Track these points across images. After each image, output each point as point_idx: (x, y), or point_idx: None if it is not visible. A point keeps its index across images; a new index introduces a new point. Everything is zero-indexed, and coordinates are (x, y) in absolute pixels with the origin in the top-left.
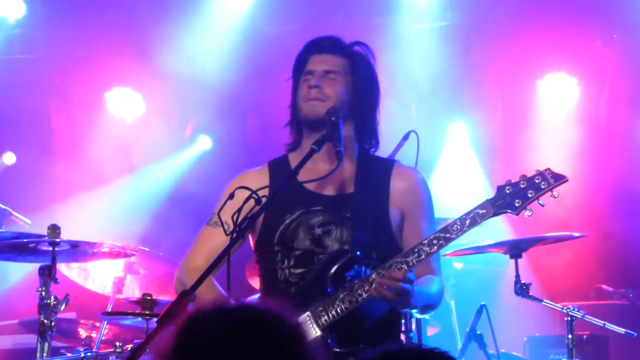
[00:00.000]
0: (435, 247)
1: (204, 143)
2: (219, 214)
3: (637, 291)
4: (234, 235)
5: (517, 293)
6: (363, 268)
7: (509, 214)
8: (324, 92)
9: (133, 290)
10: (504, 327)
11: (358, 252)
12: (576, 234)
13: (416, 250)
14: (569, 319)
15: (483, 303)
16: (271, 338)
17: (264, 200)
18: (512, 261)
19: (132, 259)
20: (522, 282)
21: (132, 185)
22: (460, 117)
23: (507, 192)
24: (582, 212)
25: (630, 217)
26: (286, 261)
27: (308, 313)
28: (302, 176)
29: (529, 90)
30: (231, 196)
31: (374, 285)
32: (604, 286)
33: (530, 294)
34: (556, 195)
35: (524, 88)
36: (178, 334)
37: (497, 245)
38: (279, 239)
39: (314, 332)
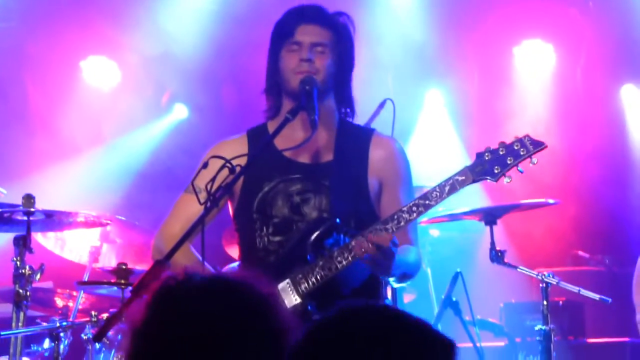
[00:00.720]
0: (415, 214)
1: (180, 111)
2: (192, 184)
3: (613, 257)
4: (208, 204)
5: (492, 260)
6: (342, 236)
7: (488, 180)
8: (315, 66)
9: (110, 259)
10: (479, 293)
11: (337, 220)
12: (551, 201)
13: (395, 217)
14: (544, 285)
15: (459, 270)
16: (245, 307)
17: (238, 169)
18: (488, 228)
19: (108, 228)
20: (498, 249)
21: (108, 155)
22: (436, 84)
23: (486, 158)
24: (558, 179)
25: (606, 183)
26: (265, 229)
27: (288, 280)
28: (281, 144)
29: (506, 56)
30: (205, 165)
31: (354, 248)
32: (580, 252)
33: (506, 260)
34: (535, 162)
35: (500, 55)
36: (151, 303)
37: (472, 212)
38: (258, 206)
39: (294, 299)
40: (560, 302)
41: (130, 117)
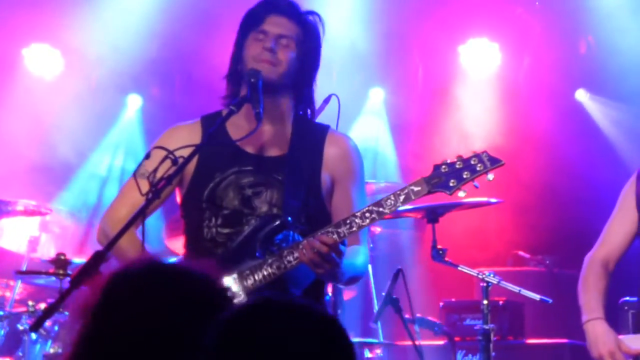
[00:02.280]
0: (368, 220)
1: (135, 102)
2: (135, 175)
3: (553, 258)
4: (150, 195)
5: (433, 258)
6: (292, 233)
7: (443, 192)
8: (277, 57)
9: (48, 250)
10: (420, 291)
11: (289, 218)
12: (493, 200)
13: (348, 221)
14: (485, 284)
15: (400, 267)
16: (199, 298)
17: (181, 160)
18: (430, 226)
19: (47, 217)
20: (439, 247)
21: (49, 143)
22: (379, 82)
23: (443, 171)
24: (501, 179)
25: (548, 184)
26: (214, 219)
27: (235, 275)
28: (235, 135)
29: (451, 55)
30: (147, 156)
31: (302, 249)
32: (521, 253)
33: (447, 259)
34: (491, 179)
35: (445, 53)
36: (103, 291)
37: (415, 210)
38: (208, 196)
39: (240, 295)
40: (501, 302)
41: (73, 106)
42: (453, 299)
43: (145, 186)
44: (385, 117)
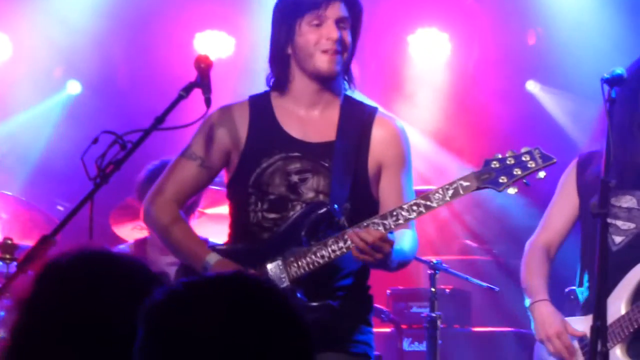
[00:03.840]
0: (415, 214)
1: (73, 88)
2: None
3: (500, 247)
4: (98, 180)
5: None
6: (337, 222)
7: (492, 189)
8: (343, 44)
9: None
10: (370, 279)
11: (335, 206)
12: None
13: (395, 213)
14: (433, 272)
15: None
16: (134, 286)
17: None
18: None
19: None
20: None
21: None
22: None
23: (494, 167)
24: (448, 169)
25: None
26: (259, 204)
27: (279, 261)
28: (283, 119)
29: (400, 44)
30: (94, 141)
31: (351, 240)
32: (468, 242)
33: None
34: (542, 177)
35: (394, 42)
36: (37, 278)
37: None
38: (254, 181)
39: (284, 281)
40: (447, 290)
41: (20, 92)
42: (400, 287)
43: (191, 167)
44: None
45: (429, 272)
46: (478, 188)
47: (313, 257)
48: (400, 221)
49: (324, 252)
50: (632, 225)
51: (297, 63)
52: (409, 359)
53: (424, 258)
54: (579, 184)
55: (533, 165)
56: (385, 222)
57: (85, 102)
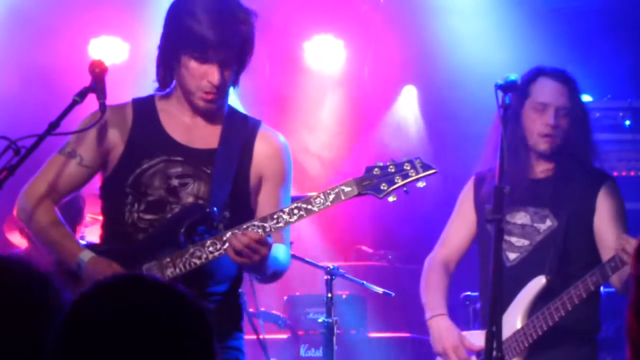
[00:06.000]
0: (295, 217)
1: None
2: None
3: (395, 253)
4: None
5: None
6: (216, 225)
7: (373, 195)
8: (224, 86)
9: None
10: (265, 286)
11: (215, 209)
12: None
13: (275, 216)
14: (329, 278)
15: None
16: (17, 283)
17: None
18: None
19: None
20: None
21: None
22: None
23: (375, 174)
24: (347, 175)
25: None
26: (136, 205)
27: (155, 262)
28: (167, 123)
29: (296, 51)
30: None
31: (229, 242)
32: (364, 247)
33: (292, 252)
34: (422, 186)
35: (290, 48)
36: None
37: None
38: (133, 182)
39: None
40: (344, 296)
41: None
42: (297, 293)
43: (69, 165)
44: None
45: (325, 277)
46: (359, 194)
47: (190, 258)
48: (281, 224)
49: (201, 254)
50: (526, 242)
51: (179, 85)
52: None
53: (320, 264)
54: (476, 202)
55: (413, 174)
56: (266, 224)
57: None
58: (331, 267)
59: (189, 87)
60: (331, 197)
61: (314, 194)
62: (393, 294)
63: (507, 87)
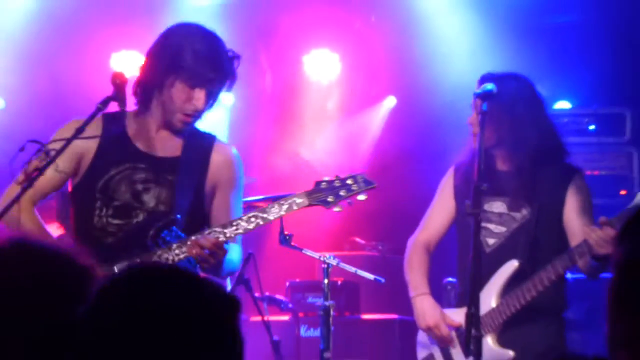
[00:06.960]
0: (253, 225)
1: None
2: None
3: (386, 244)
4: (25, 185)
5: (281, 242)
6: (178, 231)
7: (322, 206)
8: (205, 108)
9: None
10: (269, 273)
11: (178, 216)
12: None
13: (234, 223)
14: (326, 266)
15: (250, 252)
16: (62, 275)
17: (53, 153)
18: None
19: None
20: (286, 233)
21: None
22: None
23: (322, 187)
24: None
25: (382, 183)
26: (105, 209)
27: (126, 263)
28: (133, 135)
29: (296, 64)
30: (21, 149)
31: (193, 245)
32: (357, 239)
33: (293, 243)
34: (362, 199)
35: (291, 62)
36: None
37: (264, 199)
38: (102, 187)
39: None
40: (339, 282)
41: None
42: (297, 279)
43: (47, 171)
44: (226, 121)
45: (323, 266)
46: (310, 205)
47: (158, 259)
48: (240, 230)
49: (168, 256)
50: (504, 229)
51: (159, 102)
52: (305, 343)
53: (318, 253)
54: (455, 189)
55: (356, 188)
56: (226, 230)
57: (9, 116)
58: (328, 256)
59: (173, 107)
60: (285, 206)
61: (269, 205)
62: (383, 280)
63: (485, 96)
